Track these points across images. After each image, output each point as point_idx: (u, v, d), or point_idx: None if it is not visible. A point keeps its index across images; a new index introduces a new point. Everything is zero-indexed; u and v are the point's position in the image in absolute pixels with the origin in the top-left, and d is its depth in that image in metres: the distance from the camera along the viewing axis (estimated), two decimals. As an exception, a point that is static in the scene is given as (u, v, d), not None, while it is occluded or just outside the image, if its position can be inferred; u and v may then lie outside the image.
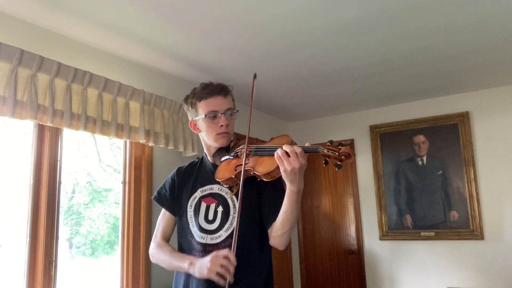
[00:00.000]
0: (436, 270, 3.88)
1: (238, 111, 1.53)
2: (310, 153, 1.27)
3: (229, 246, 1.38)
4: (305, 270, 4.63)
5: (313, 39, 2.56)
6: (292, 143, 1.32)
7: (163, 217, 1.60)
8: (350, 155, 1.22)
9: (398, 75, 3.34)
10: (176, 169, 1.64)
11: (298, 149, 1.22)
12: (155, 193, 1.64)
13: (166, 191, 1.59)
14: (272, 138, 1.45)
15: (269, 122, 4.56)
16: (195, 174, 1.58)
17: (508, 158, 3.66)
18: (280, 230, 1.35)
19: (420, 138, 4.08)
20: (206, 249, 1.42)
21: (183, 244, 1.52)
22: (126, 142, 2.80)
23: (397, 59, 2.98)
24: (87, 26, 2.27)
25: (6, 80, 1.94)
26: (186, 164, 1.66)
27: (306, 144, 1.29)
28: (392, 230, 4.12)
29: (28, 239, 2.12)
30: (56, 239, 2.22)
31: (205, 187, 1.52)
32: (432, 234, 3.90)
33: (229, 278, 1.24)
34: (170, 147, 2.86)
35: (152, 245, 1.57)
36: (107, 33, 2.36)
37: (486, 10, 2.25)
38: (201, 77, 3.14)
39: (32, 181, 2.18)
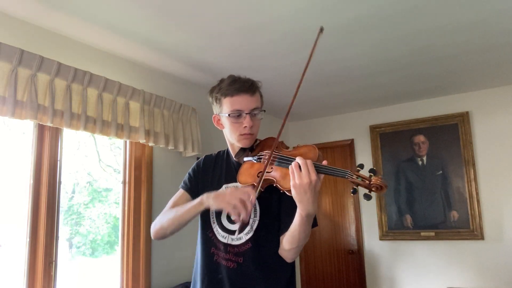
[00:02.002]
0: (436, 270, 3.88)
1: (264, 110, 1.44)
2: (336, 177, 1.16)
3: (249, 249, 1.36)
4: (305, 270, 4.63)
5: (313, 39, 2.56)
6: (318, 158, 1.22)
7: (176, 196, 1.51)
8: (382, 188, 1.09)
9: (398, 75, 3.34)
10: (204, 156, 1.58)
11: (311, 163, 1.14)
12: (181, 183, 1.55)
13: (191, 176, 1.52)
14: (298, 146, 1.33)
15: (269, 122, 4.56)
16: (220, 167, 1.51)
17: (508, 158, 3.66)
18: (287, 246, 1.31)
19: (420, 138, 4.08)
20: (227, 249, 1.38)
21: (205, 241, 1.45)
22: (126, 142, 2.80)
23: (397, 59, 2.98)
24: (87, 26, 2.27)
25: (6, 80, 1.94)
26: (215, 153, 1.59)
27: (324, 162, 1.19)
28: (392, 230, 4.12)
29: (28, 239, 2.12)
30: (56, 239, 2.22)
31: (230, 185, 1.44)
32: (432, 234, 3.90)
33: (244, 215, 1.17)
34: (170, 147, 2.86)
35: (157, 218, 1.48)
36: (108, 33, 2.36)
37: (486, 10, 2.25)
38: (201, 77, 3.14)
39: (32, 181, 2.18)
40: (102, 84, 2.40)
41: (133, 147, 2.80)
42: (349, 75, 3.30)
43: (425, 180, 4.01)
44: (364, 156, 4.37)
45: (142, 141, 2.64)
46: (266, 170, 1.28)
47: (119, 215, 2.74)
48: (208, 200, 1.28)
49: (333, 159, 4.58)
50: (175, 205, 1.47)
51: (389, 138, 4.24)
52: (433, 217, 3.92)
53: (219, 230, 1.41)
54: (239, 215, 1.18)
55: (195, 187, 1.50)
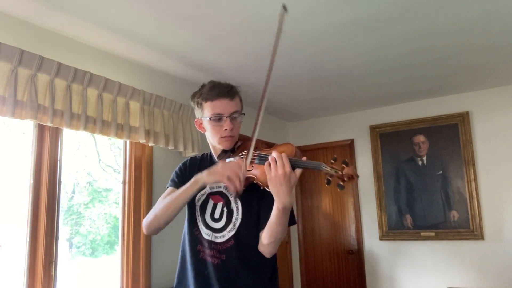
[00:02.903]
0: (436, 270, 3.88)
1: (244, 114, 1.51)
2: (312, 170, 1.24)
3: (232, 247, 1.41)
4: (305, 270, 4.63)
5: (313, 39, 2.56)
6: (295, 153, 1.29)
7: (165, 194, 1.53)
8: (353, 177, 1.17)
9: (398, 75, 3.34)
10: (189, 158, 1.63)
11: (285, 156, 1.21)
12: (169, 182, 1.58)
13: (178, 174, 1.56)
14: (276, 145, 1.42)
15: (269, 122, 4.56)
16: (204, 168, 1.52)
17: (508, 158, 3.66)
18: (265, 240, 1.35)
19: (420, 138, 4.08)
20: (211, 246, 1.43)
21: (191, 238, 1.49)
22: (126, 142, 2.80)
23: (397, 59, 2.98)
24: (87, 26, 2.27)
25: (6, 80, 1.94)
26: (200, 155, 1.63)
27: (304, 158, 1.26)
28: (392, 230, 4.12)
29: (28, 239, 2.12)
30: (56, 239, 2.22)
31: (214, 184, 1.49)
32: (432, 234, 3.90)
33: (239, 185, 1.25)
34: (170, 147, 2.86)
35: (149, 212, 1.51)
36: (107, 33, 2.36)
37: (486, 10, 2.25)
38: (201, 77, 3.14)
39: (32, 181, 2.18)
40: (102, 84, 2.40)
41: (133, 147, 2.80)
42: (349, 75, 3.30)
43: (425, 180, 4.01)
44: (364, 156, 4.37)
45: (142, 141, 2.64)
46: (247, 169, 1.34)
47: (119, 215, 2.74)
48: (203, 177, 1.34)
49: (333, 159, 4.58)
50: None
51: (389, 138, 4.24)
52: (433, 217, 3.92)
53: (203, 228, 1.46)
54: (234, 186, 1.25)
55: (183, 184, 1.51)
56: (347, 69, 3.14)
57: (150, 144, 2.73)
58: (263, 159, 1.33)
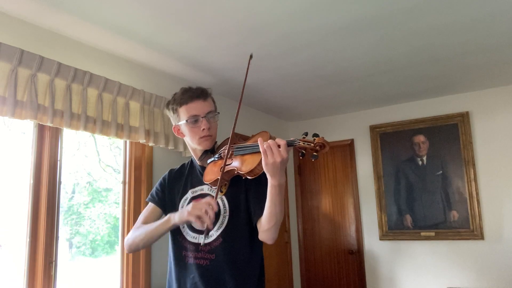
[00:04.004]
0: (436, 270, 3.88)
1: (219, 113, 1.56)
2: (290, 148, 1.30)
3: (220, 244, 1.43)
4: (305, 270, 4.63)
5: (313, 39, 2.56)
6: (270, 138, 1.35)
7: (146, 210, 1.61)
8: (325, 145, 1.23)
9: (398, 75, 3.34)
10: (168, 171, 1.69)
11: (282, 142, 1.24)
12: (148, 196, 1.67)
13: (158, 189, 1.63)
14: (252, 136, 1.47)
15: (269, 122, 4.56)
16: (185, 175, 1.62)
17: (508, 158, 3.66)
18: (266, 225, 1.36)
19: (420, 138, 4.08)
20: (199, 248, 1.44)
21: (175, 246, 1.55)
22: (126, 142, 2.80)
23: (397, 59, 2.98)
24: (87, 26, 2.27)
25: (6, 80, 1.94)
26: (179, 166, 1.70)
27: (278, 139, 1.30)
28: (392, 230, 4.12)
29: (28, 239, 2.12)
30: (56, 239, 2.22)
31: (196, 188, 1.56)
32: (432, 234, 3.90)
33: (208, 222, 1.27)
34: (170, 147, 2.86)
35: (130, 232, 1.58)
36: (107, 33, 2.36)
37: (486, 10, 2.25)
38: (201, 77, 3.14)
39: (32, 181, 2.18)
40: (102, 84, 2.40)
41: (133, 147, 2.80)
42: (349, 75, 3.30)
43: (425, 180, 4.01)
44: (364, 156, 4.37)
45: (142, 141, 2.64)
46: (227, 163, 1.39)
47: (119, 215, 2.74)
48: (175, 217, 1.38)
49: (333, 159, 4.59)
50: (146, 219, 1.57)
51: (389, 138, 4.24)
52: (433, 217, 3.92)
53: (189, 232, 1.49)
54: (202, 224, 1.28)
55: (162, 199, 1.60)
56: (347, 69, 3.14)
57: (150, 144, 2.73)
58: (241, 149, 1.40)
